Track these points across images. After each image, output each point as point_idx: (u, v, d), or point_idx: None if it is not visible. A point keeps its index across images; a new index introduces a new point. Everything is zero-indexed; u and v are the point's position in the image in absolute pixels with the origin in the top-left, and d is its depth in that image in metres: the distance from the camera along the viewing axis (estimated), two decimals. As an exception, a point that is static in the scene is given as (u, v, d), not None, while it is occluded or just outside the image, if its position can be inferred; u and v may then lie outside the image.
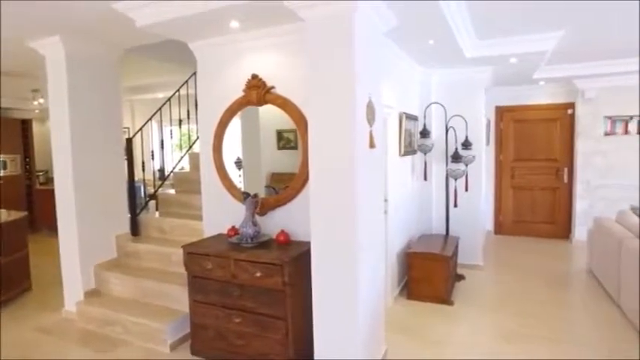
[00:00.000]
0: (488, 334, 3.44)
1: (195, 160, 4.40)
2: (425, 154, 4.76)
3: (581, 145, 6.30)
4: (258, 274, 2.69)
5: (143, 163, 4.50)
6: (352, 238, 2.42)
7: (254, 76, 3.09)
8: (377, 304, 2.82)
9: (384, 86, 3.11)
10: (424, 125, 4.71)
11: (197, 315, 2.99)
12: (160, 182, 4.88)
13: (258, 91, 3.07)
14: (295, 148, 3.18)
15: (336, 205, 2.43)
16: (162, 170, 6.18)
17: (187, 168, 5.09)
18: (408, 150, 4.39)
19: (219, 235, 3.25)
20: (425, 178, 4.88)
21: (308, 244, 2.62)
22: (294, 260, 2.65)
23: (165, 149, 5.46)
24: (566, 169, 6.55)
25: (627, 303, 3.62)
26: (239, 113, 3.27)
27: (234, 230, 3.10)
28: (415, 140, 4.68)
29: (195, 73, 3.50)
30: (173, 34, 3.12)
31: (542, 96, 6.59)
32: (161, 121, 4.87)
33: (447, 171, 4.73)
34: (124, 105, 4.86)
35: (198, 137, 3.59)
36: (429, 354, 3.09)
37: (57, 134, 3.71)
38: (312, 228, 2.52)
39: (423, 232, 5.04)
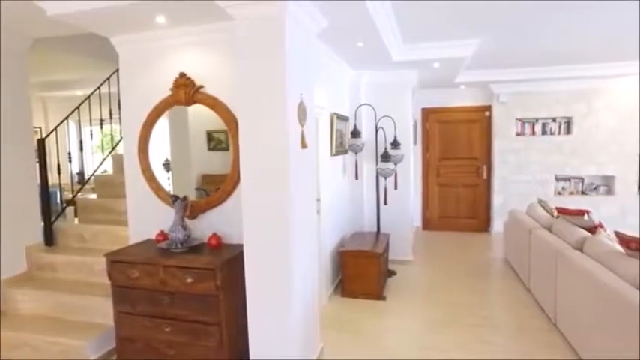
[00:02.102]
0: (418, 324, 3.61)
1: (119, 162, 4.14)
2: (356, 153, 4.89)
3: (497, 145, 6.85)
4: (190, 280, 2.59)
5: (59, 166, 4.14)
6: (285, 239, 2.41)
7: (182, 75, 2.97)
8: (312, 303, 2.84)
9: (315, 87, 3.14)
10: (355, 125, 4.83)
11: (123, 327, 2.81)
12: (79, 187, 4.53)
13: (186, 91, 2.95)
14: (226, 149, 3.10)
15: (269, 205, 2.42)
16: (81, 174, 5.74)
17: (110, 171, 4.78)
18: (340, 150, 4.48)
19: (147, 241, 3.09)
20: (356, 178, 5.01)
21: (241, 246, 2.57)
22: (226, 264, 2.59)
23: (85, 151, 5.06)
24: (485, 167, 7.07)
25: (535, 286, 3.98)
26: (166, 113, 3.12)
27: (163, 235, 2.96)
28: (346, 140, 4.79)
29: (117, 70, 3.29)
30: (90, 27, 2.90)
31: (463, 99, 7.06)
32: (79, 120, 4.52)
33: (377, 170, 4.89)
34: (34, 102, 4.44)
35: (122, 138, 3.38)
36: (364, 348, 3.18)
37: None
38: (244, 230, 2.48)
39: (355, 230, 5.17)
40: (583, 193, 6.75)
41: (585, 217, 3.59)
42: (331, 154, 4.19)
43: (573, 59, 5.36)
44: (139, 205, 3.21)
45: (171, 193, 3.10)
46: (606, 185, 6.66)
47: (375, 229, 5.08)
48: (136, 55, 3.10)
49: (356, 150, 4.82)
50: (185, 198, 2.90)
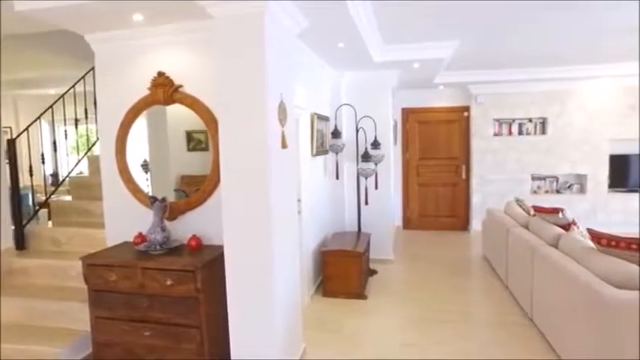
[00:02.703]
0: (399, 323, 3.65)
1: (95, 163, 4.04)
2: (336, 154, 4.90)
3: (475, 144, 6.97)
4: (169, 282, 2.55)
5: (31, 167, 4.02)
6: (266, 239, 2.40)
7: (160, 74, 2.92)
8: (294, 304, 2.84)
9: (296, 87, 3.14)
10: (335, 126, 4.85)
11: (100, 332, 2.74)
12: (53, 188, 4.40)
13: (165, 90, 2.91)
14: (206, 149, 3.07)
15: (250, 206, 2.40)
16: (55, 175, 5.59)
17: (86, 172, 4.66)
18: (320, 150, 4.48)
19: (125, 244, 3.02)
20: (337, 178, 5.02)
21: (221, 247, 2.54)
22: (207, 265, 2.56)
23: (60, 152, 4.92)
24: (464, 166, 7.19)
25: (513, 282, 4.07)
26: (144, 113, 3.06)
27: (141, 237, 2.90)
28: (327, 140, 4.79)
29: (94, 68, 3.20)
30: (63, 23, 2.80)
31: (442, 99, 7.16)
32: (53, 120, 4.40)
33: (357, 170, 4.91)
34: (3, 101, 4.29)
35: (98, 138, 3.30)
36: (346, 347, 3.18)
37: None
38: (224, 231, 2.46)
39: (336, 230, 5.18)
40: (558, 191, 6.93)
41: (560, 214, 3.69)
42: (312, 155, 4.19)
43: (547, 62, 5.52)
44: (116, 207, 3.15)
45: (150, 194, 3.04)
46: (579, 183, 6.86)
47: (356, 229, 5.11)
48: (113, 54, 3.04)
49: (337, 150, 4.84)
50: (164, 199, 2.86)
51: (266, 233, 2.40)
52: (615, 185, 6.72)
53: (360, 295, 4.14)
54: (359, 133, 5.02)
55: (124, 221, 3.10)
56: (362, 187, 5.03)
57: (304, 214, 3.89)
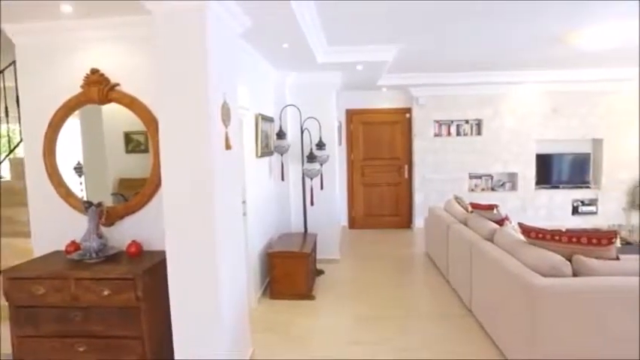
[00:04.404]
0: (347, 321, 3.69)
1: (18, 166, 3.71)
2: (281, 154, 4.88)
3: (417, 145, 7.24)
4: (107, 292, 2.40)
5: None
6: (210, 243, 2.34)
7: (94, 71, 2.75)
8: (241, 308, 2.78)
9: (239, 87, 3.08)
10: (280, 127, 4.83)
11: (25, 353, 2.50)
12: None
13: (99, 88, 2.74)
14: (146, 151, 2.93)
15: (193, 209, 2.33)
16: (-28, 180, 5.08)
17: (8, 176, 4.28)
18: (265, 151, 4.44)
19: (56, 253, 2.81)
20: (282, 179, 5.00)
21: (163, 253, 2.43)
22: (148, 272, 2.45)
23: (-23, 154, 4.49)
24: (406, 166, 7.43)
25: (453, 276, 4.27)
26: (77, 112, 2.88)
27: (74, 245, 2.72)
28: (272, 141, 4.76)
29: (15, 62, 2.94)
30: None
31: (385, 101, 7.36)
32: (-31, 120, 4.00)
33: (303, 171, 4.92)
34: None
35: (22, 139, 3.04)
36: (294, 349, 3.18)
37: None
38: (166, 235, 2.36)
39: (282, 231, 5.16)
40: (492, 189, 7.36)
41: (494, 211, 3.92)
42: (257, 156, 4.14)
43: (482, 67, 5.86)
44: (44, 214, 2.92)
45: (85, 199, 2.86)
46: (511, 181, 7.34)
47: (303, 230, 5.12)
48: (39, 47, 2.81)
49: (281, 151, 4.82)
50: (100, 204, 2.70)
51: (210, 236, 2.33)
52: (541, 182, 7.27)
53: (308, 296, 4.15)
54: (304, 134, 5.03)
55: (54, 229, 2.88)
56: (307, 188, 5.05)
57: (249, 216, 3.84)
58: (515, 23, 3.71)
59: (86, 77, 2.75)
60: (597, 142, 7.16)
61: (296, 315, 3.81)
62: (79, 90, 2.78)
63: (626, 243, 4.66)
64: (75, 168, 2.93)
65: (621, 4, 3.27)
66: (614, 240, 2.70)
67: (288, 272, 4.13)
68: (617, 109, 6.99)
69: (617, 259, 2.70)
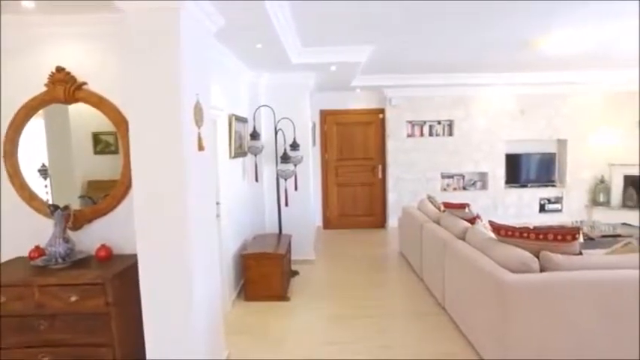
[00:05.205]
0: (322, 321, 3.70)
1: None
2: (255, 155, 4.85)
3: (390, 145, 7.32)
4: (74, 299, 2.32)
5: None
6: (184, 246, 2.29)
7: (59, 70, 2.65)
8: (215, 311, 2.74)
9: (213, 88, 3.04)
10: (254, 127, 4.79)
11: (-13, 362, 2.41)
12: None
13: (65, 87, 2.65)
14: (116, 152, 2.85)
15: (165, 211, 2.28)
16: None
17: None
18: (239, 152, 4.40)
19: (17, 260, 2.69)
20: (256, 180, 4.97)
21: (135, 256, 2.37)
22: (118, 276, 2.38)
23: None
24: (380, 166, 7.51)
25: (427, 275, 4.34)
26: (41, 112, 2.77)
27: (38, 251, 2.61)
28: (245, 142, 4.72)
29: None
30: None
31: (359, 102, 7.42)
32: None
33: (277, 172, 4.90)
34: None
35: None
36: (270, 351, 3.16)
37: None
38: (138, 238, 2.30)
39: (256, 232, 5.12)
40: (464, 188, 7.53)
41: (466, 209, 4.01)
42: (230, 157, 4.10)
43: (453, 69, 5.98)
44: (4, 218, 2.79)
45: (50, 202, 2.75)
46: (482, 180, 7.53)
47: (277, 231, 5.09)
48: (-1, 44, 2.69)
49: (255, 152, 4.78)
50: (67, 207, 2.60)
51: (183, 239, 2.29)
52: (510, 181, 7.49)
53: (283, 297, 4.14)
54: (278, 135, 5.01)
55: (15, 234, 2.76)
56: (282, 189, 5.03)
57: (223, 218, 3.79)
58: (485, 27, 3.81)
59: (51, 75, 2.65)
60: (562, 143, 7.44)
61: (271, 316, 3.78)
62: (43, 89, 2.68)
63: (588, 238, 4.86)
64: (39, 170, 2.82)
65: (585, 12, 3.41)
66: (577, 236, 2.81)
67: (263, 274, 4.10)
68: (580, 111, 7.29)
69: (580, 254, 2.81)
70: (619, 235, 4.87)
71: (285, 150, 4.84)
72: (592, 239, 4.85)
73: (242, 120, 4.52)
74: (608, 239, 4.68)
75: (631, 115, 6.93)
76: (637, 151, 6.86)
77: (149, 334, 2.36)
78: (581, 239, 2.96)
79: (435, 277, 4.01)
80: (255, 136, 4.73)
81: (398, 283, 4.72)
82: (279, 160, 4.84)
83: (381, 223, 7.58)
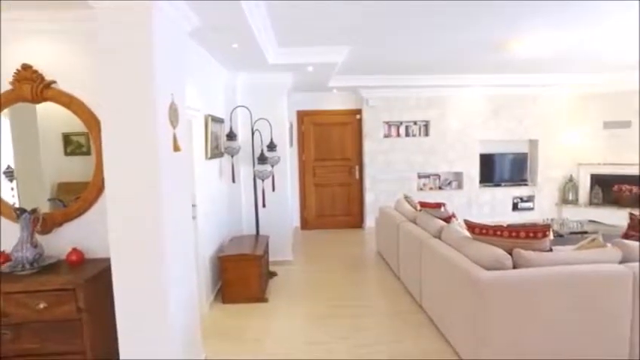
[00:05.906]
0: (301, 322, 3.69)
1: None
2: (232, 156, 4.80)
3: (367, 146, 7.37)
4: (43, 306, 2.24)
5: None
6: (158, 248, 2.25)
7: (26, 67, 2.56)
8: (191, 313, 2.70)
9: (189, 88, 2.99)
10: (230, 128, 4.74)
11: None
12: None
13: (32, 86, 2.56)
14: (88, 153, 2.77)
15: (139, 213, 2.23)
16: None
17: None
18: (215, 153, 4.35)
19: (-17, 265, 2.58)
20: (233, 181, 4.92)
21: (108, 260, 2.31)
22: (90, 281, 2.31)
23: None
24: (357, 167, 7.55)
25: (404, 273, 4.39)
26: (6, 111, 2.67)
27: (3, 257, 2.51)
28: (222, 143, 4.67)
29: None
30: None
31: (336, 102, 7.44)
32: None
33: (254, 172, 4.86)
34: None
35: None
36: (249, 353, 3.12)
37: None
38: (110, 242, 2.24)
39: (233, 234, 5.06)
40: (440, 187, 7.65)
41: (442, 209, 4.07)
42: (206, 157, 4.04)
43: (428, 70, 6.08)
44: (-30, 222, 2.68)
45: (17, 205, 2.65)
46: (457, 180, 7.66)
47: (254, 232, 5.05)
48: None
49: (232, 153, 4.73)
50: (35, 210, 2.51)
51: (158, 242, 2.24)
52: (484, 181, 7.66)
53: (261, 299, 4.11)
54: (255, 135, 4.97)
55: (-19, 238, 2.65)
56: (259, 190, 5.00)
57: (199, 220, 3.74)
58: (459, 29, 3.88)
59: (16, 73, 2.56)
60: (533, 143, 7.66)
61: (249, 318, 3.75)
62: (8, 87, 2.58)
63: (558, 235, 5.02)
64: (5, 172, 2.71)
65: (553, 17, 3.53)
66: (547, 233, 2.89)
67: (241, 276, 4.06)
68: (549, 112, 7.52)
69: (551, 250, 2.90)
70: (586, 232, 5.04)
71: (262, 151, 4.80)
72: (561, 236, 5.00)
73: (218, 120, 4.47)
74: (577, 236, 4.84)
75: (597, 116, 7.20)
76: (603, 151, 7.14)
77: (123, 339, 2.30)
78: (551, 236, 3.05)
79: (412, 275, 4.05)
80: (231, 136, 4.68)
81: (376, 282, 4.76)
82: (256, 160, 4.80)
83: (358, 223, 7.62)
